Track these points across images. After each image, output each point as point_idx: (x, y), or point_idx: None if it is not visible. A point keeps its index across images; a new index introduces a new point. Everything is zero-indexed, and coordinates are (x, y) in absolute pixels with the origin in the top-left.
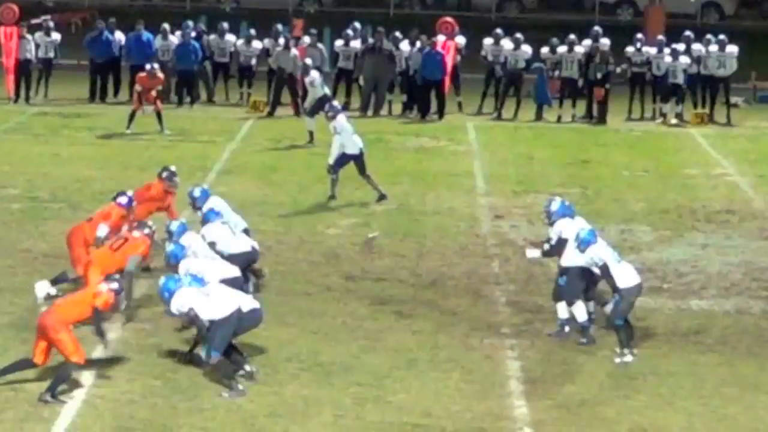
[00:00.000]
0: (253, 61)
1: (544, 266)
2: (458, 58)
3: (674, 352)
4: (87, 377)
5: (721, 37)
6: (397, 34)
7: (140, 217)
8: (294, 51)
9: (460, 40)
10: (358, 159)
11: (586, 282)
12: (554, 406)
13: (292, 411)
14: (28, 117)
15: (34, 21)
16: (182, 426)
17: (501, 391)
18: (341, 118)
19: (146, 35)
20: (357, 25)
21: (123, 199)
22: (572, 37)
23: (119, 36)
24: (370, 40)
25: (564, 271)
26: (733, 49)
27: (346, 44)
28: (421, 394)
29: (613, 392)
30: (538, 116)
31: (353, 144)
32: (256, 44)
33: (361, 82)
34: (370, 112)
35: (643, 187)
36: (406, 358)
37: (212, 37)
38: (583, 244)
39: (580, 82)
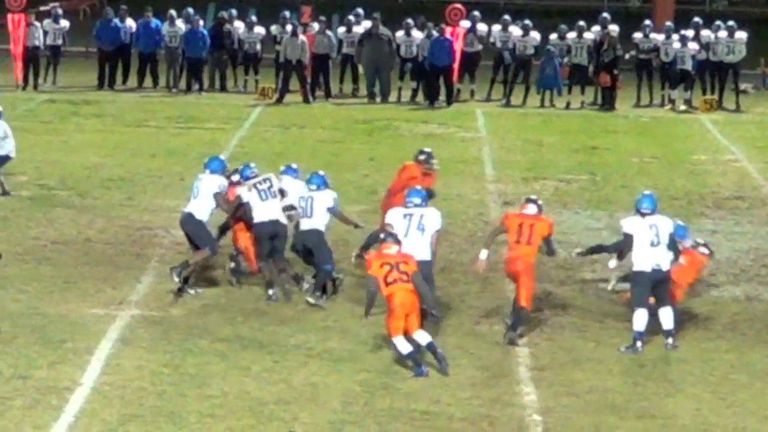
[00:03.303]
0: (258, 47)
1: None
2: (480, 46)
3: (683, 338)
4: (95, 365)
5: (730, 23)
6: (409, 20)
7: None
8: (302, 38)
9: (465, 24)
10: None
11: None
12: (563, 392)
13: (300, 398)
14: (37, 104)
15: (43, 8)
16: (191, 413)
17: (509, 378)
18: None
19: (155, 22)
20: (360, 11)
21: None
22: (581, 23)
23: (129, 23)
24: (365, 23)
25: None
26: (742, 35)
27: (349, 30)
28: (429, 382)
29: (622, 379)
30: (545, 102)
31: None
32: (259, 30)
33: (361, 69)
34: (378, 99)
35: (652, 174)
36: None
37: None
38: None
39: (590, 69)
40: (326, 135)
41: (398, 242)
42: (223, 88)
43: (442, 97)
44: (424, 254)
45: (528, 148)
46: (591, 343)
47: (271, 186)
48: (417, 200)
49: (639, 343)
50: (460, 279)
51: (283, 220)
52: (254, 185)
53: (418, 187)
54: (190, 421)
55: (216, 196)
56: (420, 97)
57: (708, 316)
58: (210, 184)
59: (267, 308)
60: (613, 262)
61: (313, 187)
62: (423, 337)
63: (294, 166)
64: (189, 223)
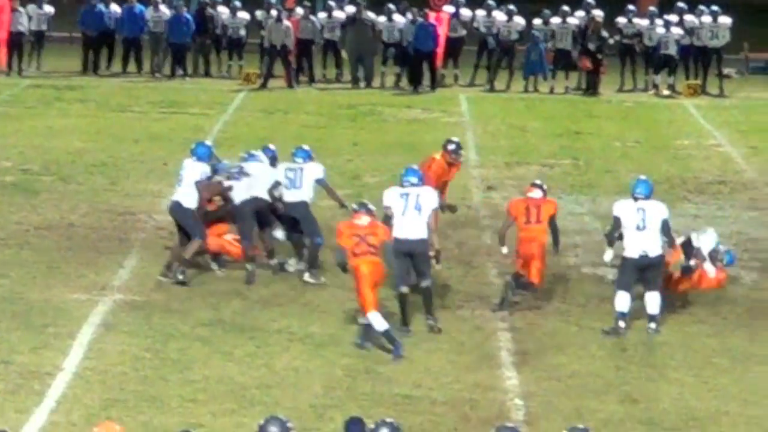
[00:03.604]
0: (242, 32)
1: None
2: (464, 32)
3: (665, 323)
4: (77, 350)
5: (714, 8)
6: (391, 5)
7: None
8: (286, 23)
9: (449, 9)
10: None
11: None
12: (544, 377)
13: (282, 382)
14: (21, 89)
15: None
16: (173, 398)
17: (491, 362)
18: None
19: (139, 7)
20: None
21: None
22: (565, 8)
23: (113, 8)
24: (348, 8)
25: None
26: (725, 20)
27: (329, 16)
28: (411, 366)
29: (604, 363)
30: (529, 87)
31: None
32: (243, 15)
33: (345, 54)
34: (362, 84)
35: (635, 158)
36: (396, 330)
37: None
38: None
39: (574, 54)
40: (310, 120)
41: (370, 213)
42: (207, 74)
43: (426, 82)
44: (421, 233)
45: (511, 133)
46: (573, 327)
47: (242, 169)
48: (414, 179)
49: (621, 323)
50: (442, 264)
51: (265, 196)
52: (231, 171)
53: (414, 166)
54: (171, 405)
55: (197, 184)
56: (404, 82)
57: (690, 301)
58: (193, 171)
59: (249, 293)
60: (608, 255)
61: (300, 160)
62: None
63: (271, 147)
64: (176, 211)
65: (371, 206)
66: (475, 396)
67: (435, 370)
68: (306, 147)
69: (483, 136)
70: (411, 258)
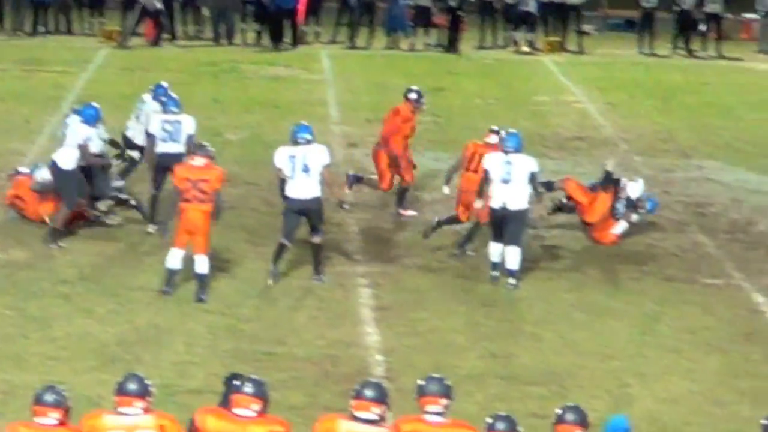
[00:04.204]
0: None
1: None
2: None
3: (525, 278)
4: None
5: None
6: None
7: (398, 149)
8: None
9: None
10: None
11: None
12: (405, 333)
13: (144, 339)
14: None
15: None
16: (34, 355)
17: (353, 318)
18: None
19: None
20: None
21: None
22: None
23: None
24: None
25: None
26: None
27: None
28: (273, 323)
29: (464, 318)
30: (390, 44)
31: None
32: None
33: (205, 11)
34: (224, 41)
35: (495, 115)
36: (258, 287)
37: None
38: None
39: (434, 11)
40: (172, 77)
41: (207, 155)
42: (69, 31)
43: (288, 39)
44: (313, 192)
45: (373, 90)
46: (434, 283)
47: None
48: (307, 136)
49: (496, 272)
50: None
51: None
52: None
53: (305, 122)
54: (33, 363)
55: (80, 147)
56: (265, 39)
57: (549, 256)
58: (76, 133)
59: (111, 251)
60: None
61: (176, 109)
62: (200, 265)
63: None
64: (52, 170)
65: (210, 148)
66: (337, 352)
67: (297, 327)
68: (176, 96)
69: (344, 94)
70: (305, 215)
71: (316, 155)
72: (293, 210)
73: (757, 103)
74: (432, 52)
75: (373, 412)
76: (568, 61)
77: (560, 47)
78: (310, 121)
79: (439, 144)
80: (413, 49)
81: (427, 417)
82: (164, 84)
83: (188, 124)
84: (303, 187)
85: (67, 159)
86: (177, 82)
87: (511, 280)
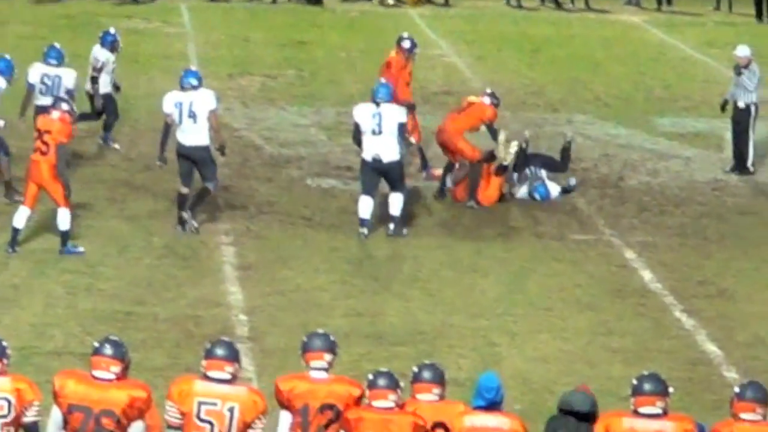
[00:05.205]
0: None
1: (259, 149)
2: None
3: (390, 236)
4: None
5: None
6: None
7: (407, 96)
8: None
9: None
10: None
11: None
12: (269, 291)
13: (1, 300)
14: None
15: None
16: None
17: (215, 277)
18: None
19: None
20: None
21: None
22: None
23: None
24: None
25: None
26: None
27: None
28: (133, 282)
29: (329, 276)
30: None
31: None
32: None
33: None
34: None
35: (360, 69)
36: (119, 245)
37: None
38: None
39: None
40: (28, 31)
41: (61, 109)
42: None
43: None
44: (200, 139)
45: (234, 43)
46: (298, 240)
47: None
48: (194, 81)
49: (364, 230)
50: (166, 177)
51: None
52: None
53: (193, 67)
54: None
55: None
56: None
57: (418, 213)
58: None
59: None
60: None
61: (54, 62)
62: (60, 220)
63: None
64: None
65: (69, 102)
66: (199, 312)
67: (157, 286)
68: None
69: (205, 47)
70: (193, 162)
71: (203, 100)
72: (181, 155)
73: (625, 57)
74: (295, 4)
75: (227, 371)
76: (434, 14)
77: (426, 0)
78: (170, 76)
79: (303, 99)
80: (276, 1)
81: (312, 374)
82: (111, 31)
83: (68, 78)
84: (189, 134)
85: None
86: (33, 35)
87: (391, 226)
